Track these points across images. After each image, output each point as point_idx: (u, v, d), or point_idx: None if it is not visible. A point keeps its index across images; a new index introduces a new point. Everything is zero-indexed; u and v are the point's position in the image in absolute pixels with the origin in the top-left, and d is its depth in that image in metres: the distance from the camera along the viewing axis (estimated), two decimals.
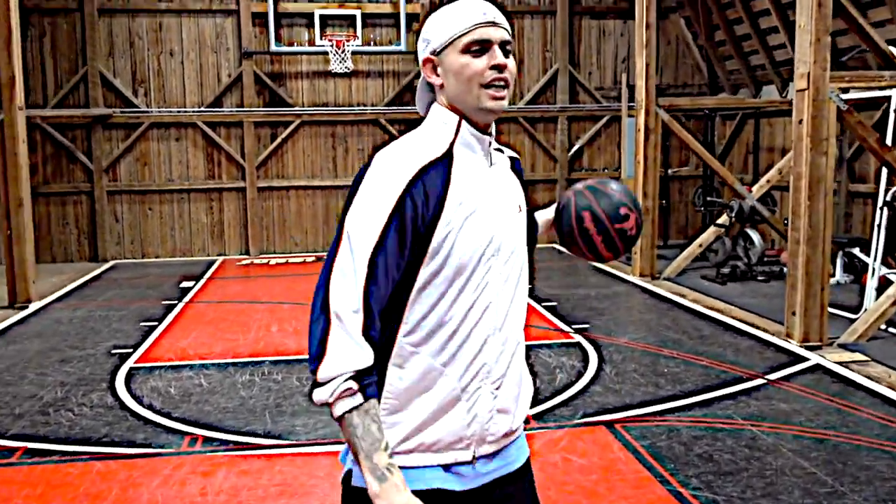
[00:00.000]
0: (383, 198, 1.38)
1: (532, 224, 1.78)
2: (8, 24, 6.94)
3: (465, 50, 1.44)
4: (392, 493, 1.32)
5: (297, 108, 10.74)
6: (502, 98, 1.46)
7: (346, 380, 1.34)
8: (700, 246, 8.70)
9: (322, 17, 10.44)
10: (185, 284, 8.60)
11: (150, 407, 4.54)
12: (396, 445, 1.43)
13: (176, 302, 7.63)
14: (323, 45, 10.33)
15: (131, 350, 5.82)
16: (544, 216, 1.88)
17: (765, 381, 4.86)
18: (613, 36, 11.47)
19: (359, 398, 1.34)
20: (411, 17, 10.74)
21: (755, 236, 8.56)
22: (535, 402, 4.51)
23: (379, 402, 1.41)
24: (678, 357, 5.47)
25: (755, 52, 10.01)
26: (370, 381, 1.37)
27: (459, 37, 1.44)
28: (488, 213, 1.46)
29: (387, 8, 10.75)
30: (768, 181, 8.36)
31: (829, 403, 4.47)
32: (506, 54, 1.46)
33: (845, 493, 3.33)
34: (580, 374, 5.10)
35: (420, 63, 1.52)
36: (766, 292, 7.65)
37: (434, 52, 1.48)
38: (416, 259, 1.41)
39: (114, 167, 10.56)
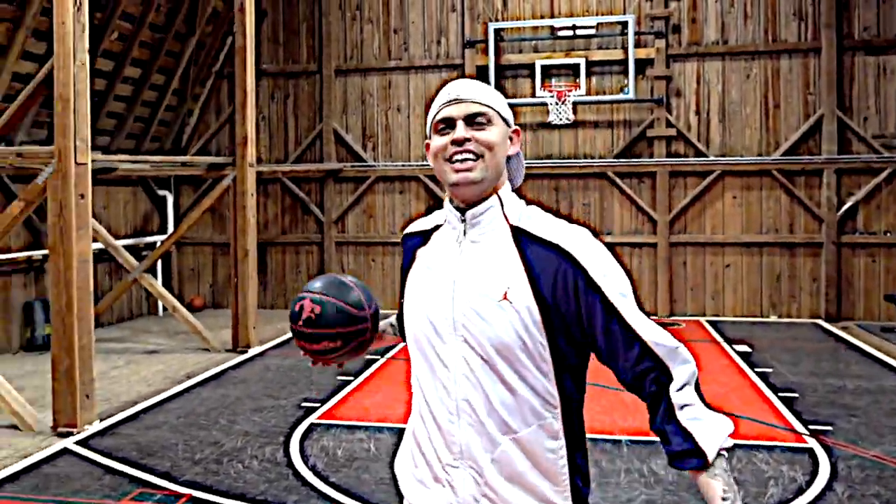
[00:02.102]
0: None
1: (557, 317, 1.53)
2: (244, 89, 7.97)
3: (436, 131, 1.64)
4: None
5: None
6: (468, 170, 1.55)
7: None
8: None
9: (544, 67, 10.54)
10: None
11: (312, 468, 4.71)
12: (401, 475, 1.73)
13: (379, 357, 7.92)
14: (543, 97, 10.38)
15: (319, 405, 6.16)
16: None
17: None
18: None
19: None
20: (642, 63, 10.42)
21: None
22: None
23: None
24: None
25: None
26: None
27: (433, 121, 1.65)
28: (438, 292, 1.57)
29: (616, 54, 10.53)
30: None
31: None
32: (478, 126, 1.57)
33: None
34: (800, 492, 4.33)
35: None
36: None
37: (427, 137, 1.69)
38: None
39: (342, 219, 11.53)
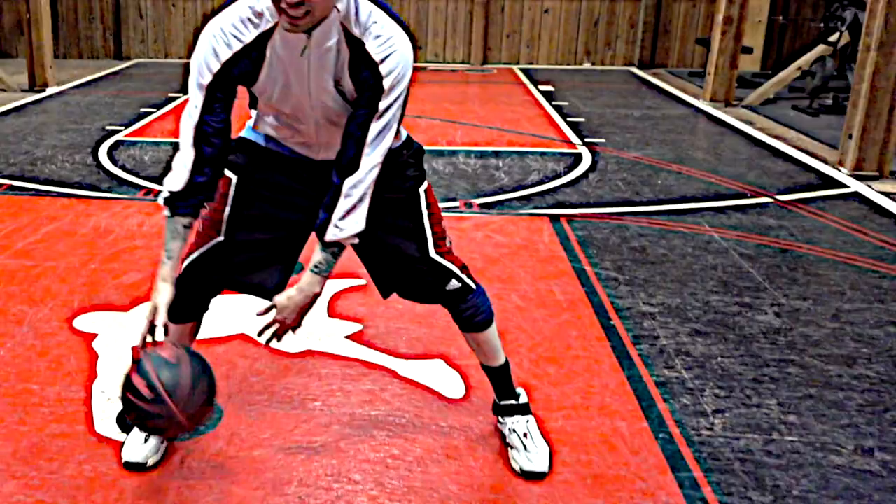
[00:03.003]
0: (203, 71, 2.07)
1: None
2: None
3: None
4: (157, 276, 2.14)
5: None
6: (296, 25, 1.86)
7: (165, 197, 2.14)
8: (799, 69, 8.46)
9: None
10: None
11: (122, 167, 5.84)
12: (259, 128, 2.28)
13: (181, 95, 8.88)
14: None
15: (123, 128, 7.17)
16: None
17: (770, 201, 5.19)
18: None
19: (167, 212, 2.14)
20: None
21: None
22: (487, 194, 5.33)
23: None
24: (686, 173, 5.86)
25: None
26: (180, 203, 2.13)
27: None
28: (291, 91, 2.07)
29: None
30: None
31: (833, 225, 4.74)
32: None
33: (766, 289, 3.77)
34: (556, 178, 5.74)
35: None
36: None
37: None
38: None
39: None
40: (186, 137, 2.06)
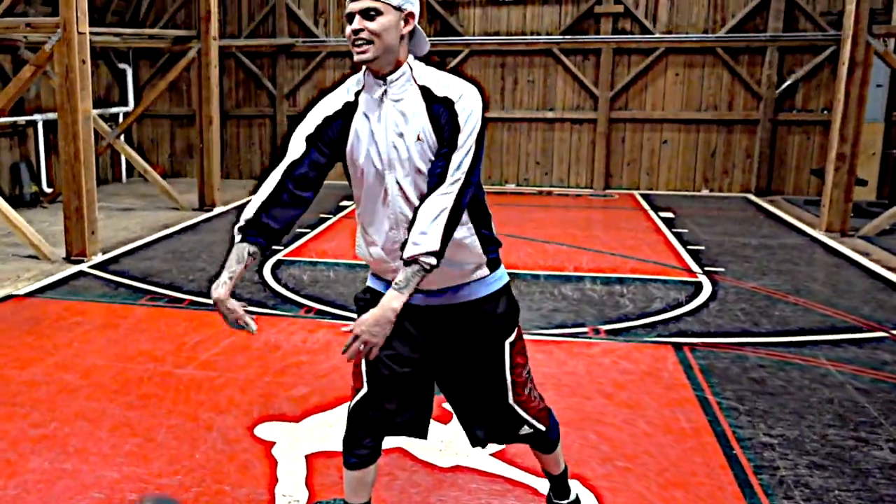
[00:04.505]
0: (309, 126, 2.42)
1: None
2: None
3: (347, 21, 2.33)
4: (213, 288, 2.40)
5: (466, 38, 12.21)
6: (363, 52, 2.26)
7: (239, 226, 2.37)
8: None
9: None
10: (343, 203, 10.65)
11: (285, 286, 6.46)
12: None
13: (331, 216, 9.71)
14: None
15: (283, 248, 7.89)
16: None
17: (886, 335, 5.20)
18: None
19: (238, 237, 2.39)
20: None
21: None
22: (613, 321, 5.59)
23: None
24: (803, 305, 5.90)
25: None
26: (249, 231, 2.36)
27: (344, 14, 2.37)
28: (373, 139, 2.33)
29: None
30: None
31: None
32: (370, 18, 2.25)
33: (882, 424, 3.83)
34: (678, 307, 5.89)
35: None
36: None
37: None
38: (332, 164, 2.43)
39: (294, 93, 12.89)
40: (274, 177, 2.37)
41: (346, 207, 10.34)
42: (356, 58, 2.29)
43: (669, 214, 10.08)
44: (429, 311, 2.47)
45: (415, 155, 2.30)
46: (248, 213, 2.35)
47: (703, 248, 8.07)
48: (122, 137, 10.34)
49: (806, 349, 5.00)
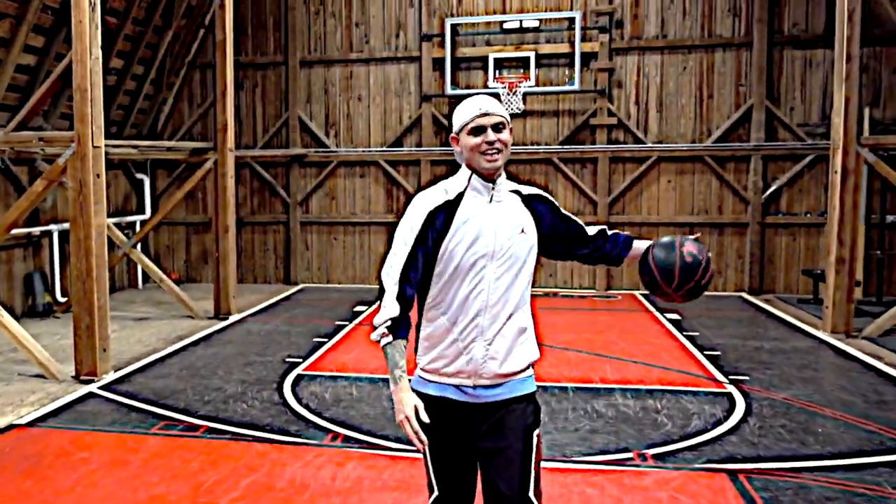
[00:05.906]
0: (413, 223, 2.46)
1: (546, 241, 2.66)
2: (224, 81, 8.70)
3: (469, 132, 2.49)
4: (398, 390, 2.37)
5: None
6: (494, 160, 2.47)
7: (386, 325, 2.37)
8: None
9: (496, 60, 11.47)
10: (358, 308, 9.89)
11: (306, 406, 5.62)
12: (426, 366, 2.50)
13: (347, 323, 8.89)
14: (496, 88, 11.32)
15: (301, 360, 7.05)
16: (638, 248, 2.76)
17: None
18: (822, 67, 11.00)
19: (390, 338, 2.38)
20: (587, 56, 11.43)
21: None
22: (657, 444, 4.88)
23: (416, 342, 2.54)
24: (841, 419, 5.35)
25: None
26: (399, 327, 2.38)
27: (466, 125, 2.50)
28: (482, 232, 2.44)
29: (563, 48, 11.49)
30: None
31: None
32: (498, 130, 2.47)
33: None
34: (718, 423, 5.25)
35: (451, 139, 2.61)
36: None
37: (456, 133, 2.55)
38: (431, 262, 2.47)
39: (307, 200, 12.33)
40: (392, 278, 2.42)
41: (360, 313, 9.57)
42: (488, 165, 2.45)
43: (676, 316, 9.44)
44: (488, 405, 2.48)
45: (516, 245, 2.48)
46: (392, 312, 2.39)
47: (719, 353, 7.42)
48: (139, 246, 9.62)
49: (867, 475, 4.35)
